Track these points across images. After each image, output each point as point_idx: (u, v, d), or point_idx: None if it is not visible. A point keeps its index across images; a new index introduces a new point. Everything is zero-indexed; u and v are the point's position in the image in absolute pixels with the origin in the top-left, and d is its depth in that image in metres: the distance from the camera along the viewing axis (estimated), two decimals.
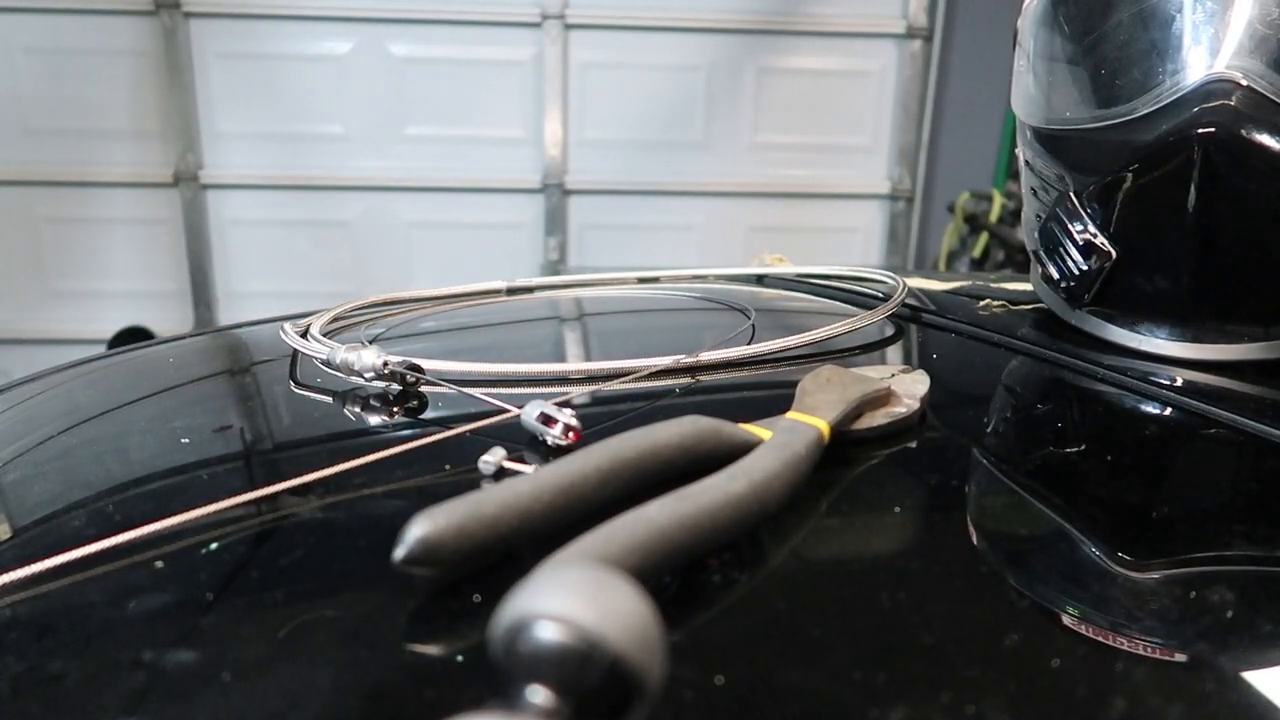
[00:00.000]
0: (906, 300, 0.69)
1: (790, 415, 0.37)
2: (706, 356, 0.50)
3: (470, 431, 0.40)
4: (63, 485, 0.39)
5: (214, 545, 0.30)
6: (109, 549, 0.29)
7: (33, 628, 0.26)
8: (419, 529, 0.26)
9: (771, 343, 0.52)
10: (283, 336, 0.54)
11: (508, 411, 0.40)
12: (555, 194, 3.11)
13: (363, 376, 0.46)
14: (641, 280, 0.83)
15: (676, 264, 0.86)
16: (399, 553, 0.26)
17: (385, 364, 0.45)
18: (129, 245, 3.03)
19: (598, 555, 0.24)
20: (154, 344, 0.69)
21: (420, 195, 3.08)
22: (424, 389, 0.47)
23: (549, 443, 0.38)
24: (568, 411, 0.38)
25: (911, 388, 0.43)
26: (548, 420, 0.38)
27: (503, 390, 0.46)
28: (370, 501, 0.34)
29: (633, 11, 2.99)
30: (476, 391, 0.44)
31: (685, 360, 0.49)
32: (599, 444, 0.31)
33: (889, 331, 0.64)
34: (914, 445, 0.40)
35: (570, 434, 0.38)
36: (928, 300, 0.71)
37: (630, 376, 0.47)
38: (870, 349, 0.59)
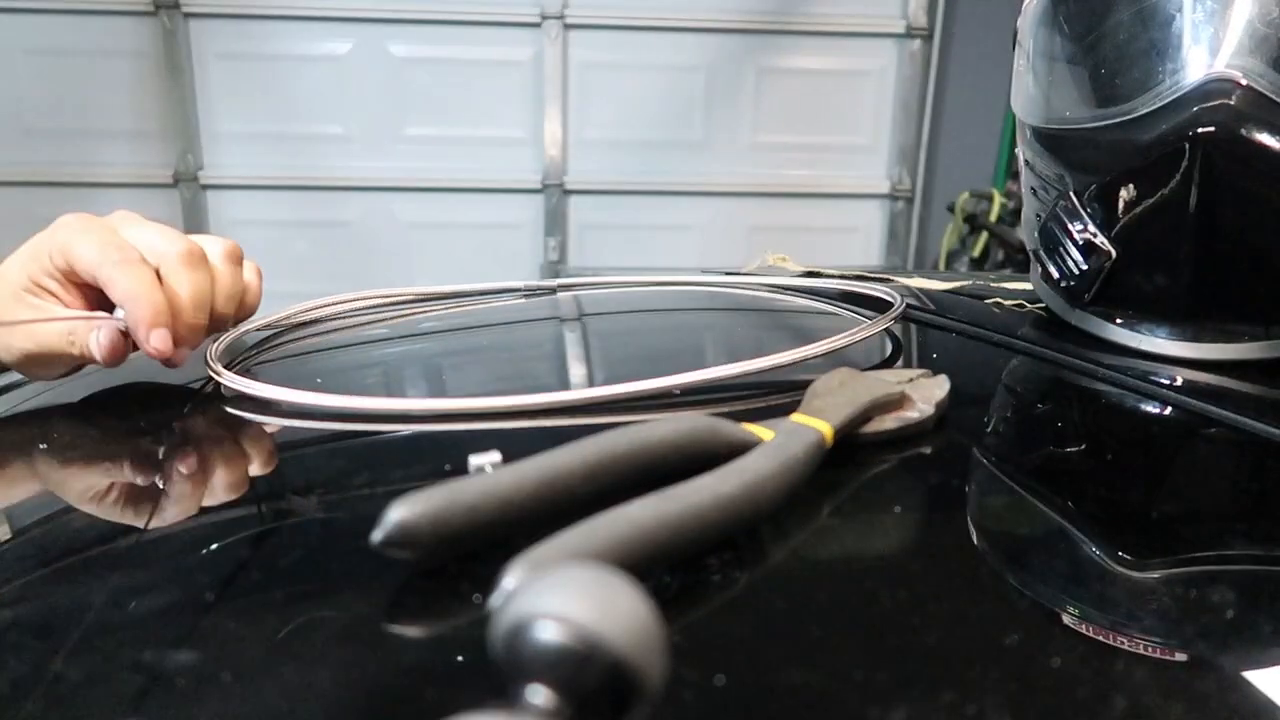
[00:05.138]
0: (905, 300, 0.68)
1: (794, 417, 0.36)
2: (684, 379, 0.45)
3: None
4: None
5: (214, 546, 0.30)
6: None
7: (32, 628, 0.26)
8: (397, 513, 0.26)
9: (752, 362, 0.46)
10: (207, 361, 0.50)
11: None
12: (555, 194, 3.11)
13: None
14: (641, 284, 0.83)
15: (675, 264, 0.84)
16: (377, 535, 0.26)
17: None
18: None
19: (574, 551, 0.24)
20: None
21: (420, 195, 3.08)
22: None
23: None
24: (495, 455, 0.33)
25: (930, 392, 0.42)
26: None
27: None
28: (369, 501, 0.34)
29: (633, 11, 2.99)
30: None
31: (656, 386, 0.44)
32: (590, 437, 0.31)
33: (888, 348, 0.59)
34: (926, 450, 0.40)
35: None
36: (927, 300, 0.71)
37: (578, 407, 0.43)
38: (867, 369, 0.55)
